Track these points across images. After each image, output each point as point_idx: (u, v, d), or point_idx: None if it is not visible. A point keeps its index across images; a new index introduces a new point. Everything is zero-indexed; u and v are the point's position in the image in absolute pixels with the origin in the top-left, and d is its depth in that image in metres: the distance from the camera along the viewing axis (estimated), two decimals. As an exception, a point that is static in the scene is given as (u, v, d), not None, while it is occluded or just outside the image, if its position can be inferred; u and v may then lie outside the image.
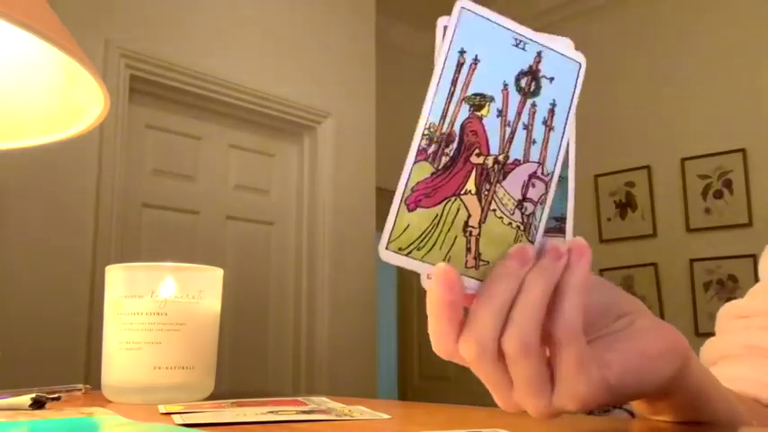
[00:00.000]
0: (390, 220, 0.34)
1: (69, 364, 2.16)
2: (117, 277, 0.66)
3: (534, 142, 0.36)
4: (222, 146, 2.89)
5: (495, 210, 0.35)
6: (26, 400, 0.53)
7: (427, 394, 4.16)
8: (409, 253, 0.34)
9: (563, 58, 0.37)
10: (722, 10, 3.38)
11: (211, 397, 0.65)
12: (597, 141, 3.70)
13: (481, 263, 0.34)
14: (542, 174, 0.36)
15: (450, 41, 0.35)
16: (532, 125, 0.36)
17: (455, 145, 0.34)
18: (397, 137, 3.96)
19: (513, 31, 0.36)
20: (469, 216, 0.34)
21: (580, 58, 0.37)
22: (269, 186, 3.03)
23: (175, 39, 2.61)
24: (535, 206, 0.35)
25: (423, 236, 0.34)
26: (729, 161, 3.26)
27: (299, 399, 0.59)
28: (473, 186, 0.34)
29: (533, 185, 0.35)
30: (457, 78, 0.34)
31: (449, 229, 0.34)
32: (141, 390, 0.62)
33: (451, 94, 0.34)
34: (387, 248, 0.34)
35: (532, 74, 0.36)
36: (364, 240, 3.21)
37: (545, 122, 0.36)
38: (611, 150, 3.65)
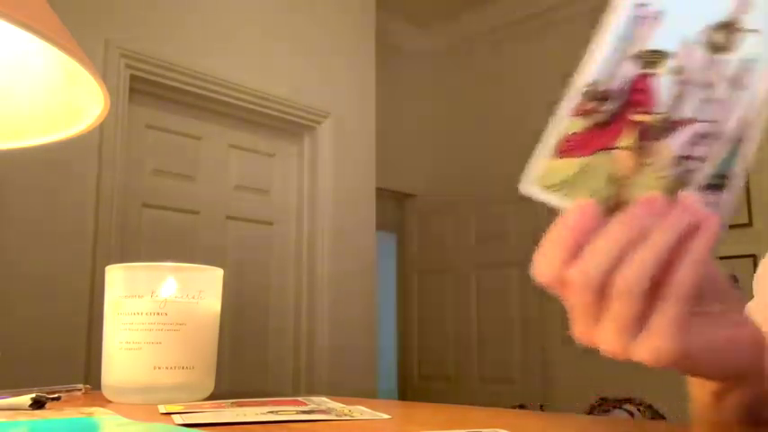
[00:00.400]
0: (536, 162, 0.34)
1: (69, 364, 2.16)
2: (117, 277, 0.66)
3: (713, 101, 0.32)
4: (222, 146, 2.89)
5: (650, 164, 0.33)
6: (26, 400, 0.53)
7: (427, 394, 4.16)
8: (552, 191, 0.34)
9: None
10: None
11: (211, 397, 0.65)
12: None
13: None
14: (715, 133, 0.33)
15: None
16: (716, 83, 0.32)
17: (616, 103, 0.33)
18: (398, 137, 4.00)
19: None
20: (620, 170, 0.33)
21: None
22: (269, 186, 3.03)
23: (175, 39, 2.61)
24: (698, 164, 0.33)
25: (569, 180, 0.33)
26: (729, 161, 3.25)
27: (299, 399, 0.59)
28: (630, 142, 0.33)
29: (701, 144, 0.33)
30: (631, 34, 0.32)
31: (596, 178, 0.33)
32: (141, 390, 0.62)
33: (622, 51, 0.33)
34: (530, 184, 0.34)
35: (730, 26, 0.32)
36: (364, 240, 3.21)
37: (735, 81, 0.32)
38: (611, 150, 3.65)
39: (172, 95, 2.67)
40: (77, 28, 0.80)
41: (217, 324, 0.68)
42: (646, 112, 0.33)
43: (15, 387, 0.63)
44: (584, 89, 0.33)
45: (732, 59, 0.32)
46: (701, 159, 0.33)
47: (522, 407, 3.39)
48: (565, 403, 3.59)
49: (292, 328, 3.00)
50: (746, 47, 0.32)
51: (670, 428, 0.43)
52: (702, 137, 0.33)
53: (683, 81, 0.32)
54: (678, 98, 0.33)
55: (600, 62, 0.33)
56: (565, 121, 0.33)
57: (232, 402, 0.56)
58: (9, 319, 2.06)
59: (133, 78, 2.50)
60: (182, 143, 2.75)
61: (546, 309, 3.76)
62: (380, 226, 3.55)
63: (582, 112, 0.33)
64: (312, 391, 2.85)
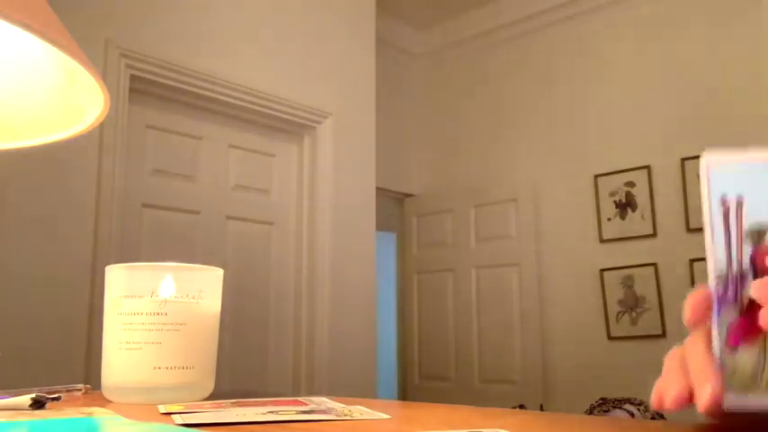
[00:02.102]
0: (719, 366, 0.34)
1: (69, 364, 2.16)
2: (117, 277, 0.66)
3: None
4: (222, 146, 2.89)
5: None
6: (26, 400, 0.53)
7: (427, 394, 4.17)
8: (747, 392, 0.34)
9: None
10: (720, 9, 3.38)
11: (211, 397, 0.65)
12: (597, 141, 3.70)
13: None
14: None
15: (709, 193, 0.36)
16: None
17: (750, 278, 0.34)
18: (398, 137, 3.99)
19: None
20: None
21: None
22: (269, 186, 3.03)
23: (175, 39, 2.61)
24: None
25: (755, 372, 0.34)
26: (729, 161, 3.25)
27: (299, 399, 0.59)
28: None
29: None
30: (728, 223, 0.35)
31: None
32: (141, 390, 0.62)
33: (728, 238, 0.35)
34: (728, 394, 0.34)
35: None
36: (364, 240, 3.21)
37: None
38: (611, 150, 3.65)
39: (172, 95, 2.67)
40: (77, 28, 0.80)
41: (217, 324, 0.68)
42: None
43: (15, 387, 0.63)
44: (717, 281, 0.35)
45: None
46: None
47: (522, 407, 3.39)
48: (565, 403, 3.59)
49: (292, 328, 3.00)
50: None
51: (670, 428, 0.43)
52: None
53: None
54: None
55: (717, 251, 0.35)
56: (720, 315, 0.34)
57: (232, 402, 0.56)
58: (9, 319, 2.06)
59: (133, 78, 2.50)
60: (182, 143, 2.75)
61: (546, 309, 3.76)
62: (380, 226, 3.55)
63: (727, 301, 0.35)
64: (312, 391, 2.85)
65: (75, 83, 0.70)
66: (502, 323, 3.94)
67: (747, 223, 0.35)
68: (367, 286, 3.18)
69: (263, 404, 0.55)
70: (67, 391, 0.65)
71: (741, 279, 0.35)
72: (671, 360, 0.38)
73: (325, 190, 3.06)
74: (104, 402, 0.61)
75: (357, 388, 2.97)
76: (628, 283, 3.48)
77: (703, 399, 0.34)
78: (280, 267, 3.01)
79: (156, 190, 2.65)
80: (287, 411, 0.50)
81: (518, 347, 3.87)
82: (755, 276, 0.34)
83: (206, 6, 2.74)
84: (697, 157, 3.39)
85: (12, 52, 0.73)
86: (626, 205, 3.59)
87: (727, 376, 0.34)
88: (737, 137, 3.22)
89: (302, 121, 3.04)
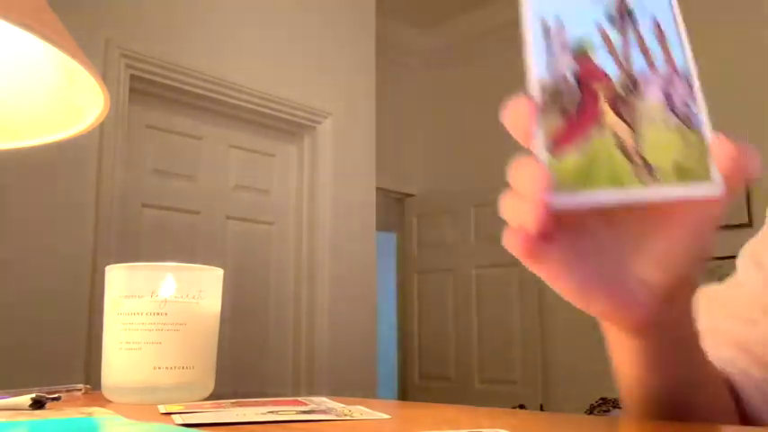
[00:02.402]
0: (543, 169, 0.32)
1: (69, 364, 2.16)
2: (117, 277, 0.66)
3: (653, 55, 0.34)
4: (222, 146, 2.89)
5: (648, 123, 0.33)
6: (26, 400, 0.53)
7: (427, 394, 4.17)
8: (576, 192, 0.32)
9: None
10: (720, 8, 3.38)
11: (211, 397, 0.65)
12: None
13: (655, 170, 0.33)
14: (679, 77, 0.34)
15: (529, 15, 0.35)
16: (643, 43, 0.34)
17: (575, 88, 0.34)
18: (398, 137, 4.01)
19: None
20: (621, 139, 0.33)
21: None
22: (269, 186, 3.03)
23: (175, 39, 2.61)
24: (687, 103, 0.34)
25: (581, 172, 0.32)
26: (729, 161, 3.25)
27: (299, 399, 0.59)
28: (611, 114, 0.33)
29: (675, 89, 0.34)
30: (550, 43, 0.34)
31: (606, 156, 0.33)
32: (141, 390, 0.62)
33: (552, 54, 0.34)
34: (556, 196, 0.32)
35: (622, 3, 0.35)
36: (364, 240, 3.21)
37: (656, 38, 0.35)
38: (611, 150, 3.65)
39: (172, 95, 2.67)
40: (77, 28, 0.80)
41: (217, 324, 0.68)
42: (608, 86, 0.34)
43: (15, 387, 0.63)
44: (541, 88, 0.34)
45: (642, 23, 0.34)
46: (691, 99, 0.34)
47: (521, 407, 3.39)
48: (565, 403, 3.59)
49: (292, 328, 3.00)
50: (643, 12, 0.35)
51: (669, 428, 0.43)
52: (673, 83, 0.34)
53: (617, 52, 0.34)
54: (625, 61, 0.34)
55: (539, 64, 0.34)
56: (540, 121, 0.33)
57: (232, 402, 0.56)
58: (9, 319, 2.06)
59: (133, 78, 2.50)
60: (182, 143, 2.75)
61: (546, 309, 3.76)
62: (380, 226, 3.55)
63: (548, 111, 0.33)
64: (312, 391, 2.85)
65: (75, 83, 0.70)
66: (502, 323, 3.93)
67: (570, 43, 0.34)
68: (367, 286, 3.18)
69: (263, 404, 0.55)
70: (67, 391, 0.65)
71: (562, 85, 0.34)
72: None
73: (325, 190, 3.06)
74: (104, 402, 0.61)
75: (357, 388, 2.97)
76: (628, 283, 3.47)
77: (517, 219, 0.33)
78: (280, 267, 3.01)
79: (156, 190, 2.65)
80: (287, 411, 0.50)
81: (518, 347, 3.87)
82: (577, 83, 0.34)
83: (206, 7, 2.74)
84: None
85: (12, 52, 0.73)
86: (626, 205, 3.60)
87: (553, 180, 0.32)
88: (738, 137, 3.22)
89: (302, 121, 3.04)
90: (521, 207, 0.32)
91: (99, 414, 0.50)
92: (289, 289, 3.02)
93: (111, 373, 0.63)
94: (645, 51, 0.34)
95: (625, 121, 0.33)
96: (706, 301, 0.58)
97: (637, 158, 0.33)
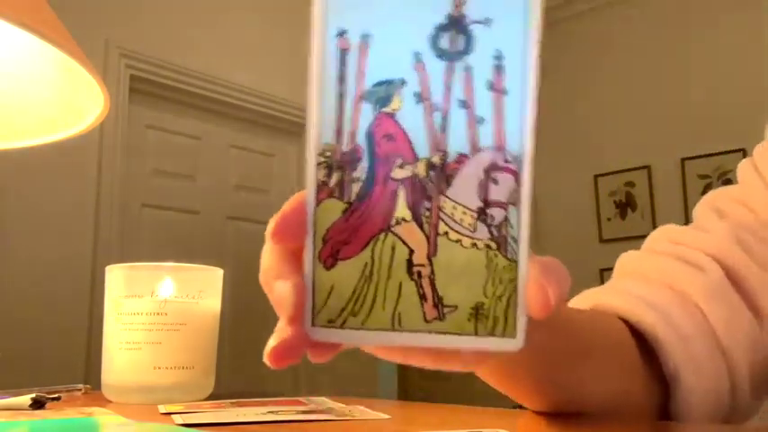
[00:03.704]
0: (307, 289, 0.25)
1: (69, 364, 2.16)
2: (117, 277, 0.66)
3: (482, 121, 0.25)
4: (222, 146, 2.89)
5: (446, 233, 0.25)
6: (26, 400, 0.53)
7: (427, 394, 4.16)
8: (344, 323, 0.25)
9: None
10: (724, 10, 3.38)
11: (211, 397, 0.65)
12: (597, 141, 3.70)
13: (446, 309, 0.25)
14: (506, 161, 0.25)
15: (321, 24, 0.25)
16: (473, 98, 0.25)
17: (365, 163, 0.25)
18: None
19: None
20: (412, 252, 0.25)
21: None
22: (269, 186, 3.03)
23: (175, 39, 2.61)
24: (506, 209, 0.25)
25: (355, 296, 0.25)
26: (729, 161, 3.25)
27: (299, 399, 0.59)
28: (406, 211, 0.25)
29: (496, 182, 0.25)
30: (343, 73, 0.25)
31: (388, 277, 0.25)
32: (141, 390, 0.62)
33: (341, 97, 0.25)
34: (313, 325, 0.25)
35: (455, 25, 0.25)
36: (364, 240, 3.21)
37: (491, 86, 0.25)
38: (611, 150, 3.65)
39: (172, 95, 2.67)
40: (77, 28, 0.80)
41: (217, 324, 0.68)
42: (406, 163, 0.25)
43: (15, 387, 0.63)
44: (320, 160, 0.25)
45: (478, 60, 0.25)
46: (512, 201, 0.26)
47: (522, 407, 3.39)
48: (565, 403, 3.58)
49: (292, 328, 2.99)
50: (483, 43, 0.25)
51: (669, 427, 0.43)
52: (498, 170, 0.25)
53: (434, 107, 0.25)
54: (441, 131, 0.25)
55: (323, 117, 0.25)
56: (315, 212, 0.25)
57: (232, 402, 0.56)
58: (9, 320, 2.06)
59: (133, 78, 2.50)
60: (182, 143, 2.75)
61: (546, 309, 3.75)
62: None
63: (329, 192, 0.25)
64: (312, 391, 2.85)
65: (75, 83, 0.70)
66: (502, 323, 3.93)
67: (372, 76, 0.25)
68: (367, 286, 3.18)
69: (263, 404, 0.55)
70: (67, 391, 0.65)
71: (351, 161, 0.25)
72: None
73: (325, 190, 3.06)
74: (104, 402, 0.61)
75: (357, 388, 2.97)
76: (628, 283, 3.47)
77: (271, 342, 0.26)
78: (280, 267, 3.01)
79: (156, 190, 2.65)
80: (287, 411, 0.50)
81: (518, 347, 3.87)
82: (372, 162, 0.25)
83: (206, 6, 2.74)
84: (697, 158, 3.39)
85: (12, 52, 0.73)
86: (626, 205, 3.59)
87: (317, 296, 0.25)
88: (738, 137, 3.22)
89: (302, 121, 3.02)
90: (280, 329, 0.26)
91: (99, 414, 0.50)
92: (289, 289, 3.02)
93: (111, 373, 0.63)
94: (469, 106, 0.25)
95: (422, 225, 0.25)
96: (660, 235, 0.54)
97: (427, 288, 0.25)
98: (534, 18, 0.25)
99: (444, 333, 0.25)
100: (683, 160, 3.41)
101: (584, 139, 3.75)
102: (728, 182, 3.28)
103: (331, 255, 0.25)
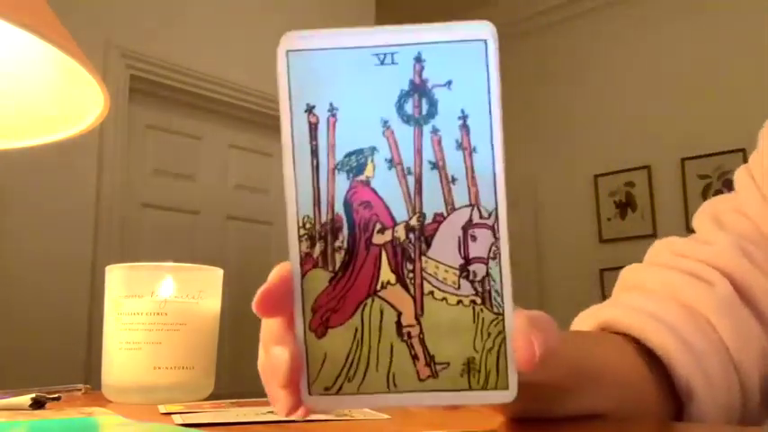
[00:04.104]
0: (301, 359, 0.26)
1: (69, 364, 2.16)
2: (117, 277, 0.66)
3: (454, 180, 0.26)
4: (222, 146, 2.89)
5: (432, 292, 0.26)
6: (26, 400, 0.53)
7: (427, 394, 4.16)
8: (340, 389, 0.26)
9: (456, 45, 0.26)
10: (721, 8, 3.38)
11: (211, 397, 0.65)
12: (597, 141, 3.70)
13: (439, 366, 0.26)
14: (481, 217, 0.26)
15: (289, 102, 0.27)
16: (443, 159, 0.26)
17: (345, 231, 0.26)
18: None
19: (369, 47, 0.26)
20: (400, 314, 0.26)
21: (482, 31, 0.27)
22: (269, 186, 3.03)
23: (175, 39, 2.61)
24: (487, 264, 0.26)
25: (349, 362, 0.26)
26: (729, 161, 3.25)
27: (299, 399, 0.59)
28: (390, 275, 0.26)
29: (474, 238, 0.26)
30: (315, 146, 0.26)
31: (379, 341, 0.26)
32: (141, 390, 0.62)
33: (316, 169, 0.26)
34: (310, 394, 0.26)
35: (418, 90, 0.26)
36: (364, 240, 3.21)
37: (460, 146, 0.26)
38: (611, 150, 3.65)
39: (172, 95, 2.67)
40: (77, 28, 0.80)
41: (217, 324, 0.68)
42: (385, 228, 0.26)
43: (15, 387, 0.63)
44: (301, 232, 0.26)
45: (444, 122, 0.26)
46: (492, 256, 0.26)
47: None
48: (565, 403, 3.58)
49: (292, 328, 3.00)
50: (447, 104, 0.26)
51: (669, 427, 0.43)
52: (475, 227, 0.26)
53: (406, 172, 0.26)
54: (416, 194, 0.26)
55: (300, 190, 0.26)
56: (302, 284, 0.26)
57: (232, 402, 0.56)
58: (9, 319, 2.06)
59: (133, 78, 2.50)
60: (182, 143, 2.75)
61: (545, 309, 3.75)
62: (380, 226, 3.55)
63: (314, 262, 0.26)
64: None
65: (75, 83, 0.70)
66: (502, 323, 3.93)
67: (342, 147, 0.26)
68: (367, 286, 3.18)
69: (263, 404, 0.55)
70: (67, 391, 0.65)
71: (333, 230, 0.26)
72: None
73: (325, 190, 3.06)
74: (104, 402, 0.61)
75: (357, 388, 2.97)
76: (628, 283, 3.47)
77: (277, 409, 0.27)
78: (280, 267, 3.01)
79: (156, 190, 2.65)
80: (287, 411, 0.50)
81: (518, 347, 3.87)
82: (352, 230, 0.26)
83: (207, 6, 2.74)
84: (697, 158, 3.39)
85: (11, 52, 0.73)
86: (626, 205, 3.59)
87: (311, 366, 0.26)
88: (738, 137, 3.22)
89: (302, 121, 3.04)
90: (272, 390, 0.27)
91: (99, 414, 0.50)
92: (289, 289, 3.02)
93: (111, 373, 0.63)
94: (441, 166, 0.26)
95: (407, 287, 0.26)
96: (662, 248, 0.53)
97: (418, 348, 0.26)
98: (494, 75, 0.26)
99: (439, 390, 0.26)
100: (683, 160, 3.41)
101: (585, 139, 3.75)
102: (728, 182, 3.28)
103: (321, 324, 0.26)
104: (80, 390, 0.66)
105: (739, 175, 0.55)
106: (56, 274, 2.21)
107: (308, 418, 0.46)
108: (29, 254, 2.16)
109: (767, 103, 3.18)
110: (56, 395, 0.58)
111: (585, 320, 0.50)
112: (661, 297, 0.48)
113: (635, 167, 3.57)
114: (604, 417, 0.41)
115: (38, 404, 0.53)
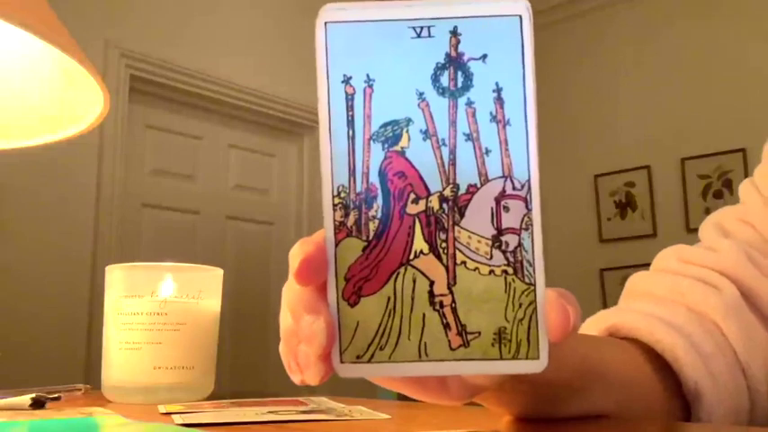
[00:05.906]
0: (333, 327, 0.26)
1: (69, 364, 2.16)
2: (117, 277, 0.66)
3: (488, 152, 0.26)
4: (222, 146, 2.89)
5: (464, 262, 0.26)
6: (26, 400, 0.53)
7: (427, 394, 4.16)
8: (372, 357, 0.26)
9: (492, 20, 0.26)
10: (722, 9, 3.38)
11: (211, 397, 0.65)
12: (597, 141, 3.70)
13: (470, 336, 0.26)
14: (514, 188, 0.26)
15: (326, 73, 0.27)
16: (477, 131, 0.26)
17: (380, 200, 0.26)
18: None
19: (406, 19, 0.26)
20: (432, 283, 0.26)
21: (517, 7, 0.26)
22: (269, 186, 3.03)
23: (175, 39, 2.61)
24: (519, 234, 0.26)
25: (381, 330, 0.26)
26: (729, 161, 3.26)
27: (300, 399, 0.59)
28: (423, 244, 0.26)
29: (507, 209, 0.26)
30: (352, 117, 0.26)
31: (411, 310, 0.26)
32: (141, 390, 0.62)
33: (352, 139, 0.26)
34: (342, 362, 0.27)
35: (453, 63, 0.26)
36: (364, 240, 3.21)
37: (494, 118, 0.26)
38: (611, 150, 3.65)
39: (172, 95, 2.67)
40: (77, 28, 0.80)
41: (217, 324, 0.68)
42: (419, 198, 0.26)
43: (15, 387, 0.63)
44: (336, 201, 0.26)
45: (479, 95, 0.26)
46: (525, 227, 0.26)
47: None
48: (565, 403, 3.58)
49: (292, 328, 2.99)
50: (482, 78, 0.26)
51: (675, 428, 0.43)
52: (508, 197, 0.26)
53: (441, 143, 0.26)
54: (450, 164, 0.26)
55: (336, 160, 0.26)
56: (336, 252, 0.27)
57: (232, 402, 0.56)
58: (9, 319, 2.06)
59: (133, 78, 2.50)
60: (182, 143, 2.75)
61: (546, 309, 3.75)
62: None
63: (348, 231, 0.26)
64: (312, 391, 2.85)
65: (75, 83, 0.70)
66: (502, 323, 3.93)
67: (378, 118, 0.26)
68: (367, 286, 3.18)
69: (263, 404, 0.55)
70: (67, 391, 0.65)
71: (367, 200, 0.26)
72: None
73: (325, 190, 3.06)
74: (104, 402, 0.61)
75: (357, 388, 2.97)
76: (628, 283, 3.47)
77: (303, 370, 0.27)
78: (280, 267, 3.01)
79: (156, 190, 2.65)
80: (287, 411, 0.50)
81: (518, 347, 3.87)
82: (386, 199, 0.26)
83: (206, 6, 2.74)
84: (697, 158, 3.40)
85: (11, 52, 0.73)
86: (626, 205, 3.59)
87: (343, 334, 0.26)
88: (738, 137, 3.22)
89: (302, 121, 3.04)
90: (303, 358, 0.28)
91: (99, 414, 0.50)
92: (289, 289, 3.02)
93: (111, 373, 0.63)
94: (475, 138, 0.26)
95: (440, 257, 0.26)
96: (668, 255, 0.54)
97: (450, 317, 0.26)
98: (528, 50, 0.26)
99: (470, 360, 0.26)
100: (683, 160, 3.41)
101: (585, 139, 3.75)
102: (728, 182, 3.28)
103: (354, 292, 0.26)
104: (80, 390, 0.66)
105: (744, 188, 0.56)
106: (56, 273, 2.21)
107: (308, 418, 0.46)
108: (29, 254, 2.17)
109: (767, 103, 3.18)
110: (56, 395, 0.58)
111: (592, 325, 0.50)
112: (668, 302, 0.49)
113: (635, 167, 3.57)
114: (610, 417, 0.41)
115: (38, 404, 0.53)
